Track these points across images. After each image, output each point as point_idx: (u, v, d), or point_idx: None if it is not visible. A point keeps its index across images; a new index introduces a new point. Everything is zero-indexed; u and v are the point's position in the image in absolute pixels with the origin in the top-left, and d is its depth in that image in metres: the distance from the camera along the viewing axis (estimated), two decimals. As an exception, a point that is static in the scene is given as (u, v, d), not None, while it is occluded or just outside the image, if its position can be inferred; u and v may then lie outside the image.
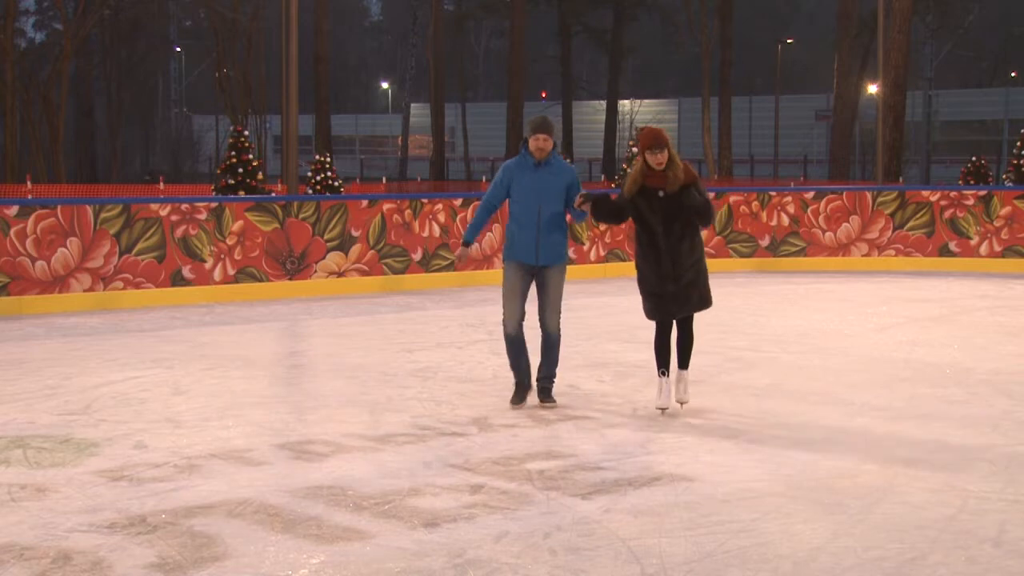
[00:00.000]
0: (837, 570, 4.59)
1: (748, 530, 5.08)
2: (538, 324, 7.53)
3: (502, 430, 6.98)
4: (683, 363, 7.38)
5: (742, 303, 12.94)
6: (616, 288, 14.23)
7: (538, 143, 7.35)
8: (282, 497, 5.54)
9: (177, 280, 13.19)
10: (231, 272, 13.57)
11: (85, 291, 12.58)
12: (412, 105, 60.91)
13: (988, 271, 16.44)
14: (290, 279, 13.98)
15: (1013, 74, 66.23)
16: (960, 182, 30.05)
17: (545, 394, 7.57)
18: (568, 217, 7.56)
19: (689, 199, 7.08)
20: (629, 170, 7.55)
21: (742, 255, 17.16)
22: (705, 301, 7.26)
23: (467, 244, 7.62)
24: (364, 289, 14.32)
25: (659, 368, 7.36)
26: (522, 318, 7.46)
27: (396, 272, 14.61)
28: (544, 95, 68.45)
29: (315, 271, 14.16)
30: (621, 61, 57.48)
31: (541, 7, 55.02)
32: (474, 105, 68.59)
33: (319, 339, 10.93)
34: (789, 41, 57.50)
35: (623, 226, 14.32)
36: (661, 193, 7.11)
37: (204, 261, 13.39)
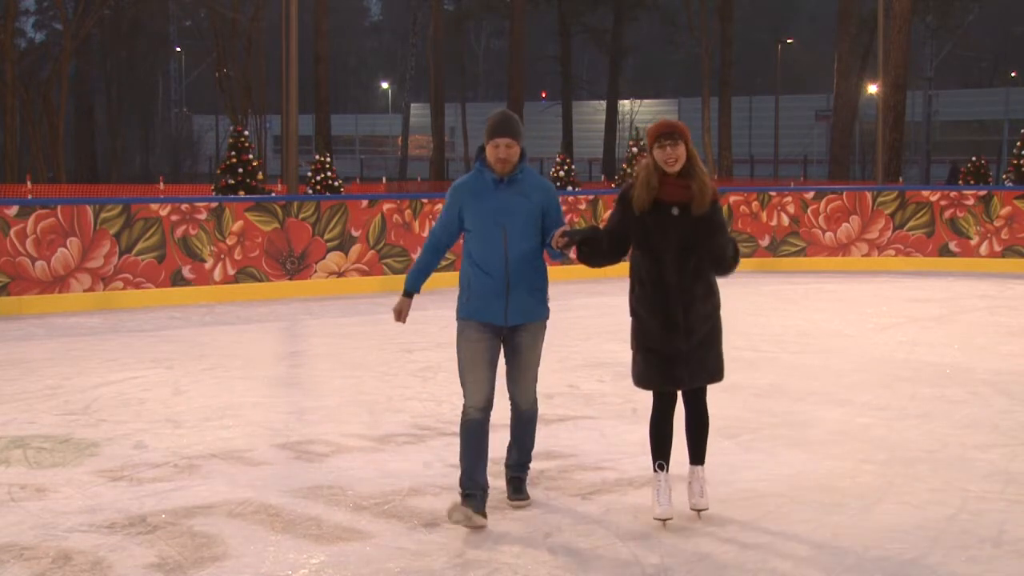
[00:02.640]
0: (837, 570, 4.59)
1: (748, 530, 5.08)
2: (508, 400, 5.48)
3: (502, 430, 6.96)
4: (697, 456, 5.31)
5: (742, 303, 12.94)
6: (616, 288, 14.16)
7: (499, 152, 5.18)
8: (282, 497, 5.54)
9: (177, 280, 13.19)
10: (231, 272, 13.57)
11: (85, 291, 12.58)
12: (412, 105, 60.91)
13: (988, 271, 16.44)
14: (290, 279, 13.98)
15: (1013, 74, 66.21)
16: (960, 182, 30.03)
17: (517, 488, 5.55)
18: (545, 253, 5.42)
19: (713, 229, 5.14)
20: (632, 172, 5.40)
21: (742, 255, 17.12)
22: (719, 369, 5.29)
23: (408, 295, 5.44)
24: (364, 289, 14.32)
25: (655, 460, 5.25)
26: (490, 401, 5.26)
27: (396, 272, 14.60)
28: (544, 95, 68.44)
29: (315, 271, 14.16)
30: (621, 61, 57.50)
31: (541, 7, 54.97)
32: (474, 105, 68.54)
33: (319, 339, 10.92)
34: (789, 41, 57.50)
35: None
36: (676, 211, 5.10)
37: (204, 261, 13.39)
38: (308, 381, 8.81)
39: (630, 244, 5.21)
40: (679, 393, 5.28)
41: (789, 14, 74.65)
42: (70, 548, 4.83)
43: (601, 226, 5.32)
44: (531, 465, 5.66)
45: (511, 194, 5.22)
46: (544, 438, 6.75)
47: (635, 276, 5.22)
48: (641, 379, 5.25)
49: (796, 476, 5.93)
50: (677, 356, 5.12)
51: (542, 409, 7.52)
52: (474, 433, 5.23)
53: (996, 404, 7.73)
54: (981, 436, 6.80)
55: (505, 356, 5.36)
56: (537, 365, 5.44)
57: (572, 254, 5.19)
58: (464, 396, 5.26)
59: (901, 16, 28.99)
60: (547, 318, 5.38)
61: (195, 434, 6.86)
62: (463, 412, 5.28)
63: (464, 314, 5.28)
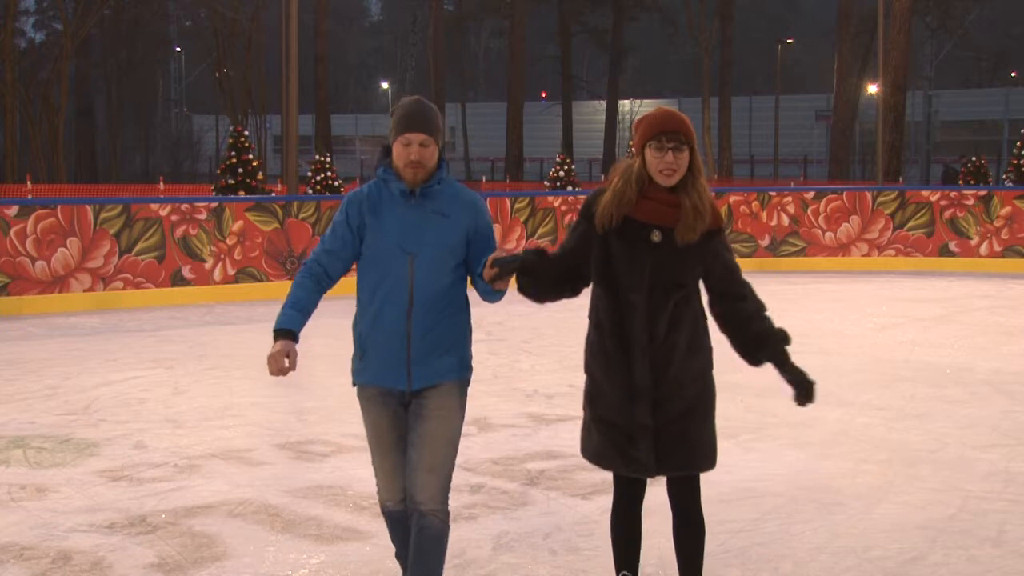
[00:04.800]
0: (837, 570, 4.59)
1: (748, 530, 5.07)
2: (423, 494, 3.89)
3: (502, 430, 6.98)
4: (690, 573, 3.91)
5: (742, 303, 12.94)
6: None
7: (410, 152, 3.79)
8: (282, 497, 5.54)
9: (177, 280, 13.19)
10: (231, 272, 13.57)
11: (85, 291, 12.58)
12: (412, 105, 60.81)
13: (988, 271, 16.44)
14: (290, 279, 13.98)
15: (1013, 74, 66.23)
16: (960, 182, 30.04)
17: None
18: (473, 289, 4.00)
19: (720, 271, 3.80)
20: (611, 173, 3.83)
21: (742, 255, 17.15)
22: (707, 455, 3.83)
23: (287, 335, 3.83)
24: (364, 289, 14.31)
25: (617, 572, 3.97)
26: (406, 490, 3.92)
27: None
28: (544, 95, 68.47)
29: (315, 271, 14.17)
30: (621, 61, 57.48)
31: (541, 7, 55.01)
32: (474, 105, 68.58)
33: (319, 339, 10.91)
34: (789, 41, 57.48)
35: None
36: (657, 236, 3.71)
37: (204, 261, 13.39)
38: (308, 381, 8.81)
39: (586, 276, 3.85)
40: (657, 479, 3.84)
41: (789, 14, 74.65)
42: (70, 548, 4.83)
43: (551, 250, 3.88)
44: (531, 465, 5.61)
45: (425, 212, 3.83)
46: (544, 438, 6.76)
47: (592, 317, 3.86)
48: (592, 454, 3.86)
49: (796, 476, 5.93)
50: (642, 433, 3.72)
51: (542, 409, 7.54)
52: (397, 521, 4.04)
53: (996, 404, 7.73)
54: (981, 436, 6.80)
55: (407, 433, 3.91)
56: (450, 446, 3.86)
57: (505, 287, 3.77)
58: (377, 487, 4.03)
59: (901, 16, 28.99)
60: (468, 380, 3.94)
61: (195, 434, 6.86)
62: (380, 503, 4.06)
63: (361, 379, 3.93)
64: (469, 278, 3.91)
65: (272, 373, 3.77)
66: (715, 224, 3.74)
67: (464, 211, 3.87)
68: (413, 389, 3.83)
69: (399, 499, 3.96)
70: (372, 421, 3.94)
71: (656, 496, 4.03)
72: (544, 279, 3.80)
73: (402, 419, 3.90)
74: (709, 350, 3.85)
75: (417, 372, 3.83)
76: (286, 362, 3.76)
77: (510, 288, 3.78)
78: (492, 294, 3.86)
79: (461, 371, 3.91)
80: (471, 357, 3.96)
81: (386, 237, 3.83)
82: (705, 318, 3.85)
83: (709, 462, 3.82)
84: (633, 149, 3.79)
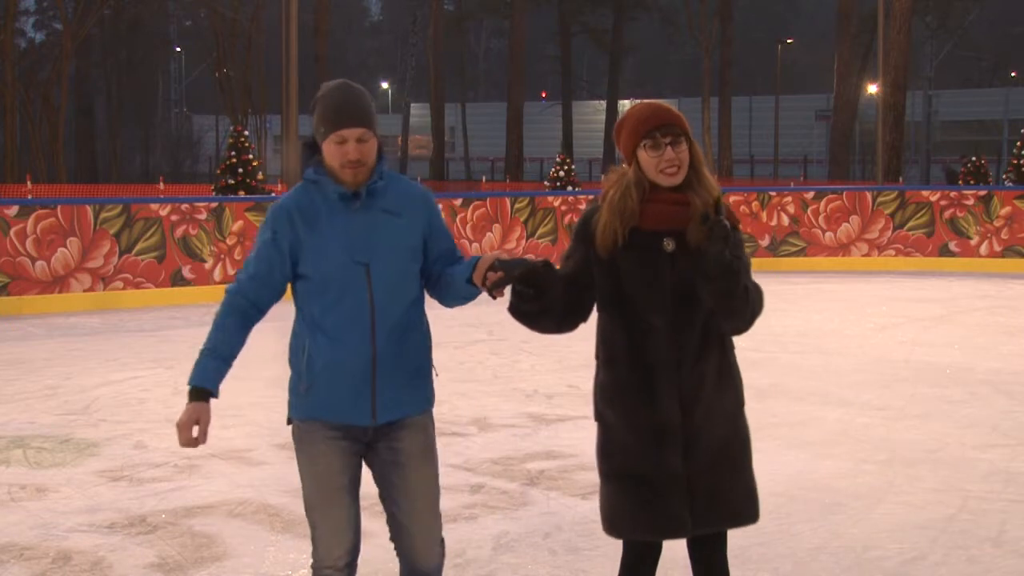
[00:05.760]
0: (837, 570, 4.59)
1: (748, 530, 5.07)
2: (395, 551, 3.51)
3: (502, 430, 6.98)
4: None
5: (742, 303, 12.95)
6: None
7: (347, 150, 3.19)
8: (282, 497, 5.54)
9: (177, 280, 13.19)
10: (231, 272, 13.56)
11: (85, 291, 12.58)
12: (412, 105, 60.96)
13: (988, 271, 16.44)
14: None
15: (1013, 74, 66.25)
16: (960, 182, 30.05)
17: None
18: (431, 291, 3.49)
19: (714, 266, 3.11)
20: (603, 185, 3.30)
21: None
22: (750, 507, 3.29)
23: (202, 396, 3.47)
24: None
25: None
26: (354, 551, 3.37)
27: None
28: (544, 95, 68.49)
29: (315, 271, 14.17)
30: (621, 61, 57.51)
31: (541, 7, 55.03)
32: (474, 105, 68.61)
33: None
34: (789, 41, 57.51)
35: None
36: (670, 244, 3.18)
37: (204, 261, 13.39)
38: (308, 381, 8.82)
39: (590, 299, 3.27)
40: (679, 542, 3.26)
41: (789, 14, 74.69)
42: (70, 548, 4.83)
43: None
44: (531, 465, 5.62)
45: (373, 213, 3.26)
46: (544, 438, 6.76)
47: (602, 353, 3.34)
48: (615, 523, 3.24)
49: (796, 476, 5.92)
50: (673, 484, 3.15)
51: (542, 409, 7.54)
52: None
53: (996, 404, 7.73)
54: (981, 436, 6.80)
55: (378, 480, 3.35)
56: (438, 494, 3.39)
57: (500, 293, 3.21)
58: (313, 547, 3.33)
59: (901, 16, 28.99)
60: (433, 406, 3.48)
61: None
62: (312, 571, 3.36)
63: (303, 412, 3.39)
64: (427, 284, 3.41)
65: (181, 445, 3.32)
66: (729, 215, 3.20)
67: (417, 207, 3.34)
68: (378, 424, 3.27)
69: (345, 562, 3.30)
70: (319, 465, 3.27)
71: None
72: (549, 295, 3.16)
73: (357, 461, 3.31)
74: (740, 380, 3.34)
75: (383, 404, 3.26)
76: (195, 432, 3.31)
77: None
78: (462, 298, 3.34)
79: (429, 401, 3.45)
80: (435, 376, 3.50)
81: (332, 251, 3.22)
82: (732, 341, 3.32)
83: (753, 515, 3.27)
84: (623, 156, 3.23)
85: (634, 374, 3.21)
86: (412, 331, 3.36)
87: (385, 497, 3.35)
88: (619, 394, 3.25)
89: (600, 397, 3.33)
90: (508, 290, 3.20)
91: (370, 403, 3.26)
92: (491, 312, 12.27)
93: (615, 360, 3.27)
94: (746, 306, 3.17)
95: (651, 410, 3.17)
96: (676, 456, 3.15)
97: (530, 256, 3.28)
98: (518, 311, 3.23)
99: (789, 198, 17.61)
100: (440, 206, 3.44)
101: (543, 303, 3.18)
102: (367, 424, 3.27)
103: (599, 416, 3.34)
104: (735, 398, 3.28)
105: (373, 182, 3.26)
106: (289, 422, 3.43)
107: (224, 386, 3.25)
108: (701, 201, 3.16)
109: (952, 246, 16.93)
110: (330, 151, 3.21)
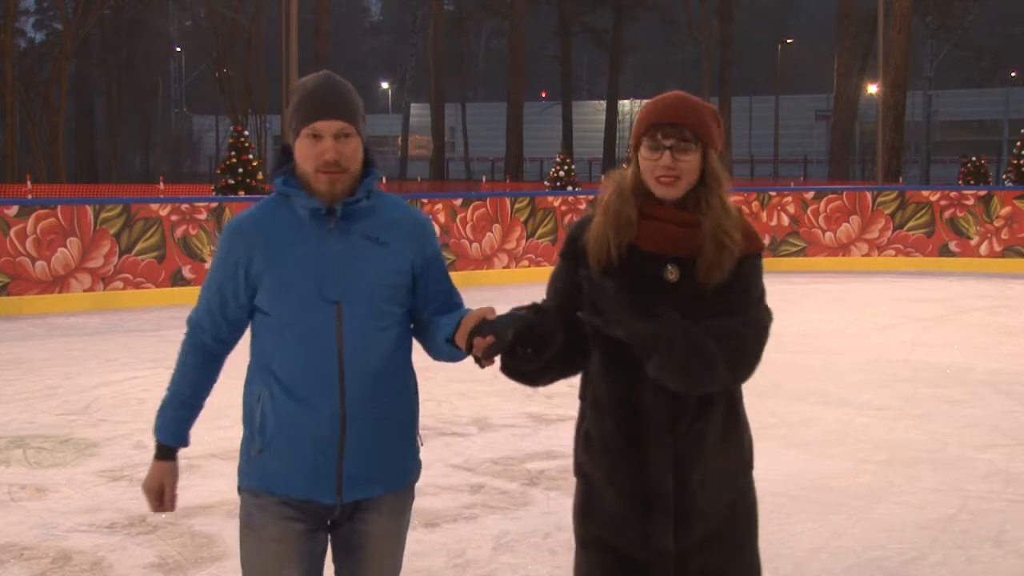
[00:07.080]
0: (837, 570, 4.59)
1: (748, 530, 5.08)
2: None
3: (502, 430, 6.98)
4: None
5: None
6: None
7: (322, 147, 2.58)
8: (282, 497, 5.53)
9: (177, 280, 13.20)
10: (231, 272, 13.57)
11: (85, 291, 12.58)
12: (412, 105, 61.03)
13: (988, 271, 16.44)
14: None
15: (1013, 74, 66.28)
16: (960, 182, 30.06)
17: None
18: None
19: (742, 294, 2.62)
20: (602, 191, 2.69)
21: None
22: None
23: (167, 455, 3.21)
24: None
25: None
26: None
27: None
28: (544, 95, 68.51)
29: (315, 271, 14.17)
30: (621, 61, 57.55)
31: (541, 7, 55.07)
32: (474, 105, 68.64)
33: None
34: (789, 41, 57.58)
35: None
36: (673, 273, 2.61)
37: (204, 261, 13.39)
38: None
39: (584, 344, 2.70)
40: None
41: (789, 14, 74.69)
42: (70, 548, 4.83)
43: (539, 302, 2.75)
44: (531, 465, 5.62)
45: (350, 239, 2.64)
46: (544, 438, 6.76)
47: (586, 395, 2.74)
48: None
49: (796, 476, 5.92)
50: (660, 565, 2.63)
51: (542, 409, 7.54)
52: None
53: (996, 404, 7.73)
54: (981, 436, 6.80)
55: (333, 553, 2.79)
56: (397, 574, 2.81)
57: (490, 363, 2.59)
58: None
59: (901, 16, 29.00)
60: (417, 479, 2.81)
61: (195, 434, 6.82)
62: None
63: (254, 482, 2.77)
64: (414, 329, 2.76)
65: (151, 509, 2.93)
66: (752, 249, 2.63)
67: (408, 236, 2.69)
68: (345, 502, 2.65)
69: None
70: (270, 544, 2.67)
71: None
72: (551, 347, 2.62)
73: (316, 550, 2.71)
74: (749, 437, 2.75)
75: (351, 480, 2.64)
76: (165, 495, 3.00)
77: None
78: (446, 357, 2.73)
79: (411, 471, 2.77)
80: (421, 442, 2.79)
81: (296, 284, 2.60)
82: (740, 390, 2.72)
83: None
84: (629, 152, 2.71)
85: (620, 428, 2.63)
86: (390, 387, 2.67)
87: (339, 572, 2.80)
88: (601, 447, 2.67)
89: (583, 448, 2.73)
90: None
91: (335, 478, 2.63)
92: (491, 312, 12.27)
93: (599, 405, 2.67)
94: (717, 370, 2.54)
95: (638, 472, 2.61)
96: (666, 531, 2.61)
97: (516, 307, 2.63)
98: (517, 373, 2.68)
99: (789, 198, 17.61)
100: (437, 237, 2.81)
101: (544, 358, 2.63)
102: (332, 503, 2.65)
103: (577, 469, 2.75)
104: (741, 458, 2.71)
105: (355, 200, 2.61)
106: (241, 490, 2.78)
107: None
108: (710, 231, 2.57)
109: (952, 246, 16.93)
110: (302, 151, 2.59)
